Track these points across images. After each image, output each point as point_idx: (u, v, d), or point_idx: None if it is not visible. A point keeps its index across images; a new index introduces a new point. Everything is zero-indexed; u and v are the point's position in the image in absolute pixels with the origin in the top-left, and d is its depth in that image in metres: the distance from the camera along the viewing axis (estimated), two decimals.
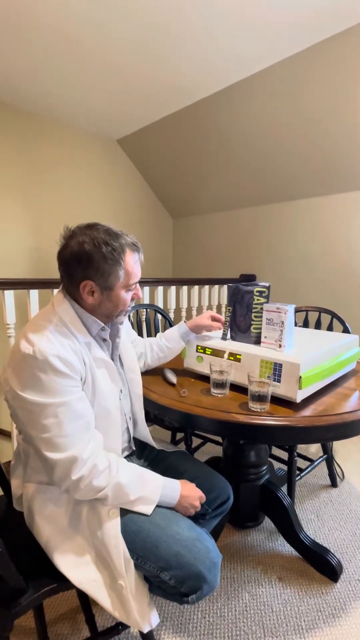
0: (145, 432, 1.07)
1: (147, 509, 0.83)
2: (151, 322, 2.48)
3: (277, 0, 1.72)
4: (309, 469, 1.70)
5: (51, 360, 0.74)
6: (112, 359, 0.96)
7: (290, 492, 1.51)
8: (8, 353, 0.81)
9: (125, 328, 1.09)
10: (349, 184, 2.63)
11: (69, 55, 2.17)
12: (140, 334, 2.05)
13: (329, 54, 2.07)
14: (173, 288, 2.64)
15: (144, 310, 2.21)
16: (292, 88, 2.31)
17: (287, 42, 2.04)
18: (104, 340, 0.91)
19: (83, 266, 0.81)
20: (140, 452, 1.11)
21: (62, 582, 0.79)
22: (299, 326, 2.14)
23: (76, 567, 0.79)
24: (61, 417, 0.74)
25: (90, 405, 0.82)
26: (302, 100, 2.34)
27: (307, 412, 0.98)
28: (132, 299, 0.90)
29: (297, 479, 1.62)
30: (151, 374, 1.31)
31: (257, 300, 1.18)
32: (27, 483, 0.88)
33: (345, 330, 1.93)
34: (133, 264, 0.86)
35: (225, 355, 1.15)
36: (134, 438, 1.08)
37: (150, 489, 0.84)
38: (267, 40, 2.02)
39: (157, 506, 0.86)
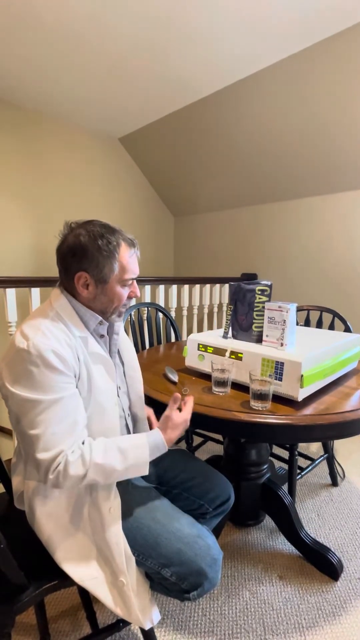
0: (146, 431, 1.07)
1: (142, 471, 0.81)
2: (152, 321, 2.48)
3: None
4: (310, 467, 1.70)
5: (45, 355, 0.73)
6: (110, 355, 0.95)
7: (291, 491, 1.51)
8: (6, 348, 0.81)
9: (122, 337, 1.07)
10: (351, 183, 2.62)
11: (71, 53, 2.16)
12: (141, 332, 2.05)
13: (333, 52, 2.06)
14: (174, 287, 2.64)
15: (145, 308, 2.21)
16: (295, 86, 2.31)
17: (290, 40, 2.04)
18: (101, 336, 0.91)
19: (78, 258, 0.82)
20: None
21: (64, 579, 0.79)
22: (301, 325, 2.14)
23: (77, 564, 0.79)
24: (50, 414, 0.74)
25: (81, 403, 0.80)
26: (304, 98, 2.33)
27: (309, 410, 0.98)
28: (130, 297, 0.89)
29: (297, 477, 1.62)
30: (152, 372, 1.31)
31: (259, 298, 1.18)
32: (27, 481, 0.88)
33: (347, 330, 1.93)
34: (128, 258, 0.85)
35: (227, 354, 1.15)
36: None
37: (135, 455, 0.80)
38: (270, 38, 2.02)
39: (159, 502, 0.86)
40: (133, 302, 0.93)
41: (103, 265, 0.82)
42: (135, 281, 0.89)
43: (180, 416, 0.86)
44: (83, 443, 0.78)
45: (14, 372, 0.74)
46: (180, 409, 0.90)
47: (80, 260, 0.82)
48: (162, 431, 0.84)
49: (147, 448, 0.81)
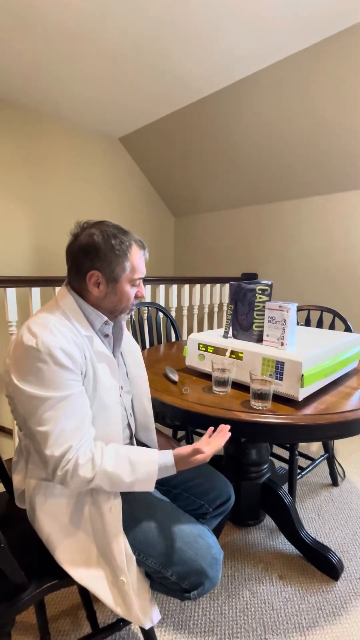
0: (152, 437, 1.05)
1: (149, 487, 0.79)
2: (153, 321, 2.48)
3: None
4: (310, 467, 1.70)
5: (54, 352, 0.74)
6: (114, 355, 0.96)
7: (291, 491, 1.51)
8: (10, 345, 0.81)
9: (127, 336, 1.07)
10: (352, 183, 2.62)
11: (71, 52, 2.16)
12: (141, 331, 2.05)
13: (334, 52, 2.06)
14: (175, 287, 2.64)
15: (146, 308, 2.21)
16: (295, 86, 2.31)
17: (291, 39, 2.04)
18: (106, 335, 0.91)
19: (91, 257, 0.83)
20: None
21: (64, 578, 0.79)
22: (301, 325, 2.14)
23: (78, 563, 0.79)
24: (59, 411, 0.74)
25: (88, 400, 0.81)
26: (305, 98, 2.33)
27: (309, 410, 0.98)
28: (137, 297, 0.91)
29: (298, 477, 1.62)
30: (153, 371, 1.31)
31: (260, 298, 1.18)
32: (29, 479, 0.88)
33: (347, 329, 1.93)
34: (138, 259, 0.88)
35: (227, 354, 1.15)
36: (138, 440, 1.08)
37: (145, 470, 0.79)
38: (271, 37, 2.02)
39: (159, 501, 0.86)
40: (137, 301, 0.94)
41: (116, 264, 0.83)
42: (142, 282, 0.90)
43: (200, 458, 0.80)
44: (95, 446, 0.78)
45: (22, 369, 0.75)
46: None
47: (93, 259, 0.83)
48: (175, 461, 0.81)
49: (156, 465, 0.79)
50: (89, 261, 0.83)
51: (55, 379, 0.74)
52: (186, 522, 0.86)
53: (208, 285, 2.95)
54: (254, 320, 1.18)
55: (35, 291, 1.84)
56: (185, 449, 0.81)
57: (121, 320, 0.94)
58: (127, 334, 1.03)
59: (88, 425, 0.79)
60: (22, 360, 0.75)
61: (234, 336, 1.25)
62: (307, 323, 2.11)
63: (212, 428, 0.87)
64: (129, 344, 1.04)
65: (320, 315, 2.03)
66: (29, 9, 1.81)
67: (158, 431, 1.14)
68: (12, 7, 1.80)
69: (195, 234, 3.93)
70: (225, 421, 0.95)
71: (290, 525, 1.38)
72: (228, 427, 0.87)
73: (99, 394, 0.84)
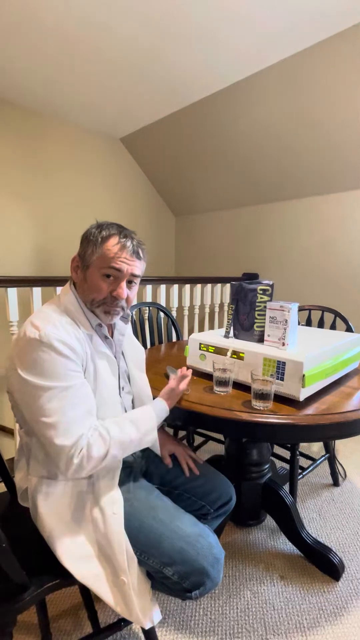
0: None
1: (152, 437, 0.89)
2: (154, 320, 2.48)
3: (277, 0, 1.72)
4: (311, 467, 1.70)
5: (55, 343, 0.76)
6: (115, 355, 0.96)
7: (292, 491, 1.51)
8: (13, 340, 0.82)
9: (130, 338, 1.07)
10: (352, 183, 2.62)
11: (72, 53, 2.16)
12: (142, 331, 2.05)
13: (329, 54, 2.06)
14: (175, 286, 2.64)
15: (147, 308, 2.21)
16: (293, 87, 2.31)
17: (287, 41, 2.04)
18: (105, 337, 0.92)
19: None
20: (141, 450, 1.11)
21: (65, 578, 0.79)
22: (302, 325, 2.13)
23: (79, 561, 0.79)
24: (64, 401, 0.75)
25: (91, 392, 0.82)
26: (303, 99, 2.33)
27: (310, 410, 0.98)
28: (115, 297, 0.86)
29: (299, 477, 1.62)
30: (153, 371, 1.31)
31: (261, 298, 1.18)
32: (30, 477, 0.88)
33: (349, 329, 1.93)
34: (112, 248, 0.84)
35: (228, 354, 1.15)
36: None
37: (147, 424, 0.88)
38: (269, 38, 2.02)
39: (161, 501, 0.87)
40: (121, 303, 0.88)
41: (88, 249, 0.86)
42: (124, 283, 0.86)
43: (180, 388, 0.99)
44: (98, 424, 0.81)
45: (26, 360, 0.76)
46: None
47: (80, 246, 0.89)
48: (166, 400, 0.96)
49: (154, 414, 0.90)
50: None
51: (57, 370, 0.76)
52: (187, 522, 0.86)
53: (209, 285, 2.94)
54: (255, 320, 1.18)
55: (37, 291, 1.85)
56: (169, 385, 0.99)
57: (99, 317, 0.89)
58: (130, 336, 1.03)
59: (94, 414, 0.81)
60: (25, 352, 0.76)
61: (235, 336, 1.25)
62: (309, 323, 2.11)
63: (187, 373, 1.04)
64: (133, 346, 1.04)
65: (321, 315, 2.02)
66: (30, 13, 1.81)
67: (166, 433, 1.14)
68: (14, 12, 1.81)
69: (196, 233, 3.93)
70: (227, 421, 0.95)
71: (291, 525, 1.38)
72: (184, 368, 1.04)
73: (99, 390, 0.85)
